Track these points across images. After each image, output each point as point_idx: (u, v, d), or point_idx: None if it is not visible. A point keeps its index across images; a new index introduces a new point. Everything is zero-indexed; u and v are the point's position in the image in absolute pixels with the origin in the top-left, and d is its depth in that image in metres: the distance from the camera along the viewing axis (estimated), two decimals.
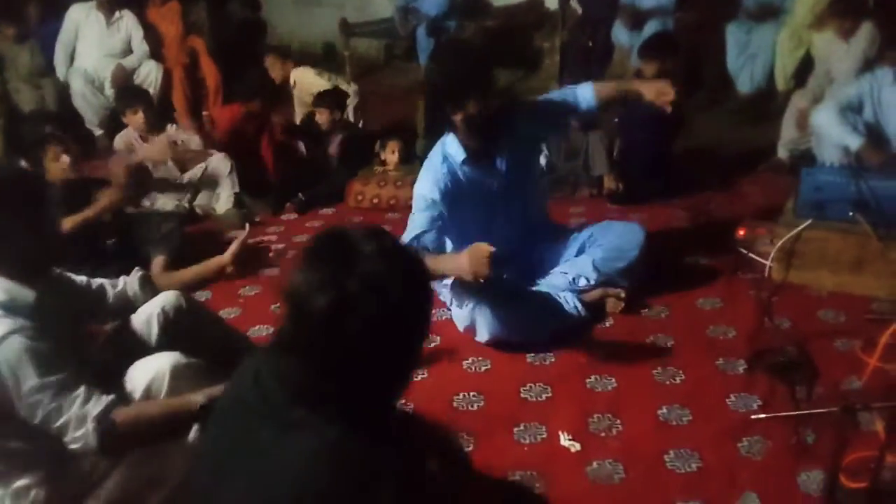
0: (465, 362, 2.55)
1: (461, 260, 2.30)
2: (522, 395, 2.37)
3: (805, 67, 4.41)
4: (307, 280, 1.08)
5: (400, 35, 6.62)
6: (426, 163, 2.64)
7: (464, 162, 2.57)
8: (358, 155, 4.25)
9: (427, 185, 2.55)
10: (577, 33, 5.60)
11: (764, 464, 1.98)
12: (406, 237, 2.54)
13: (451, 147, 2.59)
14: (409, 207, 2.61)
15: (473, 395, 2.37)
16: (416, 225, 2.53)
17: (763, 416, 1.96)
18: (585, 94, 2.68)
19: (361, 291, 1.05)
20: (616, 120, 4.23)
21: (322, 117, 4.34)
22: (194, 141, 4.05)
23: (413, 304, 1.14)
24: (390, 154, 4.13)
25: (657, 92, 2.58)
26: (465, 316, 2.63)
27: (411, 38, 6.26)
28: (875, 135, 3.22)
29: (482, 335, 2.59)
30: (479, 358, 2.56)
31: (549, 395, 2.36)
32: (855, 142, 3.16)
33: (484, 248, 2.26)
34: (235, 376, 1.27)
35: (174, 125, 4.21)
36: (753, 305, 2.71)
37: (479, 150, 2.57)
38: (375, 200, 3.92)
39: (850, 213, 2.69)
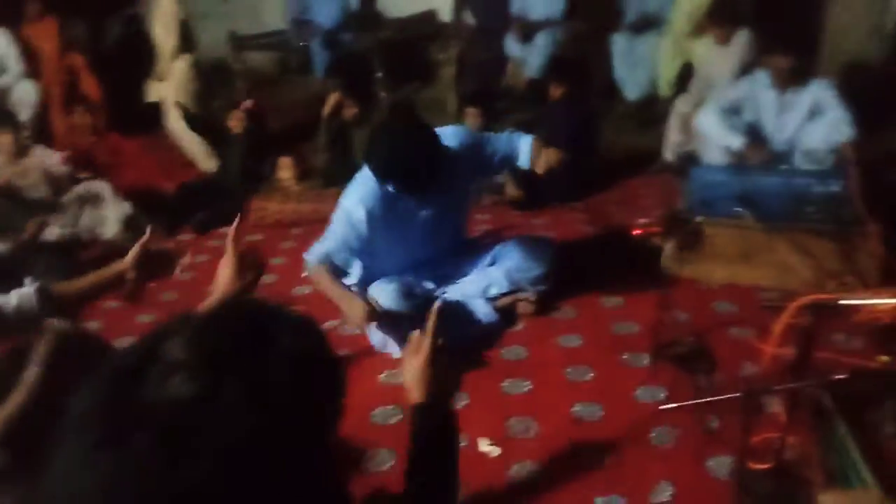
0: (380, 376, 2.52)
1: (348, 309, 2.49)
2: None
3: (686, 74, 4.66)
4: (183, 353, 0.80)
5: (294, 47, 6.51)
6: (359, 175, 2.56)
7: (398, 192, 2.50)
8: (256, 169, 4.14)
9: (353, 201, 2.49)
10: (472, 45, 5.69)
11: (674, 452, 2.06)
12: (318, 248, 2.51)
13: None
14: (312, 222, 2.56)
15: (391, 409, 2.34)
16: (332, 239, 2.49)
17: (671, 406, 2.04)
18: (524, 150, 2.66)
19: (243, 398, 0.78)
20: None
21: (235, 122, 4.19)
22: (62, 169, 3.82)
23: (307, 432, 0.85)
24: (284, 171, 4.05)
25: (545, 161, 2.63)
26: (377, 333, 2.60)
27: (306, 51, 6.17)
28: (755, 135, 3.44)
29: (397, 351, 2.56)
30: (395, 370, 2.53)
31: (467, 402, 2.36)
32: (736, 142, 3.36)
33: (364, 315, 2.44)
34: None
35: (42, 147, 3.94)
36: (653, 301, 2.82)
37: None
38: (278, 216, 3.83)
39: (736, 209, 2.86)
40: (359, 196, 2.49)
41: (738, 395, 1.68)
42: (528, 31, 5.26)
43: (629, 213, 3.68)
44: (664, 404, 2.20)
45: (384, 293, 2.52)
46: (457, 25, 5.83)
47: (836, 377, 1.63)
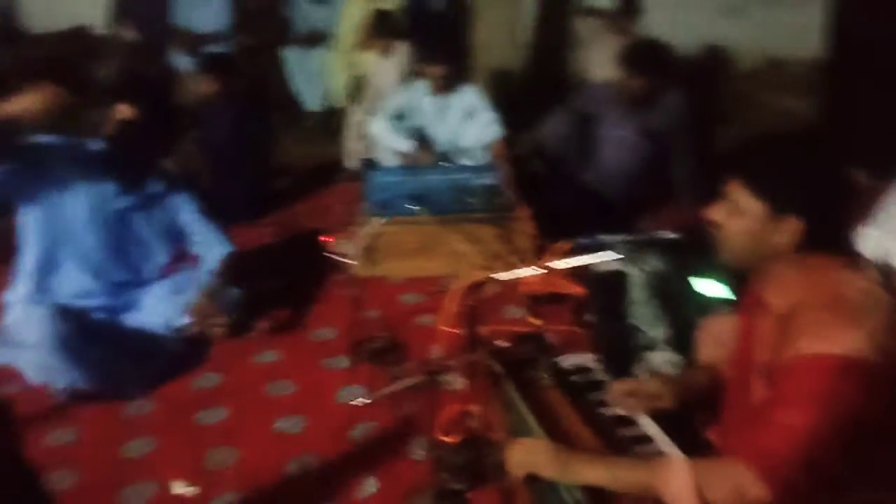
0: (52, 435, 2.19)
1: None
2: (124, 455, 2.12)
3: (358, 84, 4.86)
4: None
5: None
6: None
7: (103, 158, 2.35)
8: None
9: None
10: (135, 60, 5.28)
11: (377, 445, 2.11)
12: None
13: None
14: None
15: (64, 473, 2.03)
16: None
17: (363, 400, 2.08)
18: (215, 257, 2.72)
19: None
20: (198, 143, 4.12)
21: None
22: None
23: None
24: None
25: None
26: (35, 362, 2.24)
27: None
28: (421, 138, 3.70)
29: (59, 382, 2.26)
30: (65, 427, 2.22)
31: (155, 445, 2.16)
32: (405, 145, 3.58)
33: None
34: None
35: None
36: (347, 304, 2.88)
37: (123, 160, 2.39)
38: None
39: (410, 207, 3.05)
40: None
41: (420, 378, 1.76)
42: (194, 44, 5.04)
43: (319, 222, 3.71)
44: (359, 400, 2.25)
45: (33, 318, 2.22)
46: (114, 40, 5.36)
47: (500, 344, 1.80)
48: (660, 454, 1.48)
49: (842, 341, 1.18)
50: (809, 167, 1.32)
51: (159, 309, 2.61)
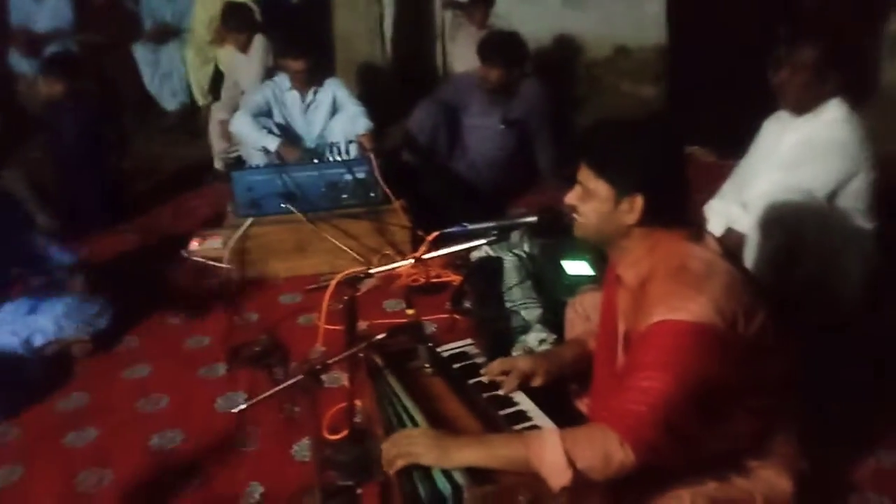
0: None
1: None
2: None
3: (217, 81, 4.68)
4: None
5: None
6: None
7: None
8: None
9: None
10: None
11: (261, 451, 2.07)
12: None
13: None
14: None
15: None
16: None
17: (243, 406, 2.03)
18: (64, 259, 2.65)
19: None
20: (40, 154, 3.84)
21: None
22: None
23: None
24: None
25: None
26: None
27: None
28: (287, 133, 3.62)
29: None
30: None
31: (21, 472, 2.03)
32: (271, 143, 3.49)
33: None
34: None
35: None
36: (222, 308, 2.80)
37: None
38: None
39: (282, 205, 2.99)
40: None
41: (299, 377, 1.74)
42: (34, 43, 4.68)
43: (187, 225, 3.57)
44: (238, 407, 2.19)
45: None
46: None
47: (378, 337, 1.81)
48: (536, 429, 1.54)
49: (688, 309, 1.29)
50: (648, 147, 1.42)
51: (15, 329, 2.47)
